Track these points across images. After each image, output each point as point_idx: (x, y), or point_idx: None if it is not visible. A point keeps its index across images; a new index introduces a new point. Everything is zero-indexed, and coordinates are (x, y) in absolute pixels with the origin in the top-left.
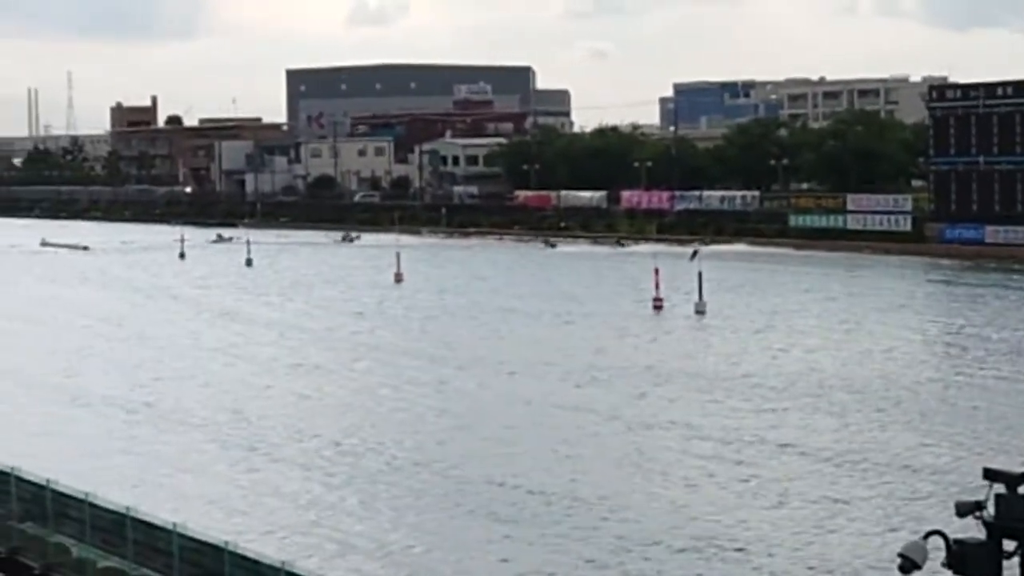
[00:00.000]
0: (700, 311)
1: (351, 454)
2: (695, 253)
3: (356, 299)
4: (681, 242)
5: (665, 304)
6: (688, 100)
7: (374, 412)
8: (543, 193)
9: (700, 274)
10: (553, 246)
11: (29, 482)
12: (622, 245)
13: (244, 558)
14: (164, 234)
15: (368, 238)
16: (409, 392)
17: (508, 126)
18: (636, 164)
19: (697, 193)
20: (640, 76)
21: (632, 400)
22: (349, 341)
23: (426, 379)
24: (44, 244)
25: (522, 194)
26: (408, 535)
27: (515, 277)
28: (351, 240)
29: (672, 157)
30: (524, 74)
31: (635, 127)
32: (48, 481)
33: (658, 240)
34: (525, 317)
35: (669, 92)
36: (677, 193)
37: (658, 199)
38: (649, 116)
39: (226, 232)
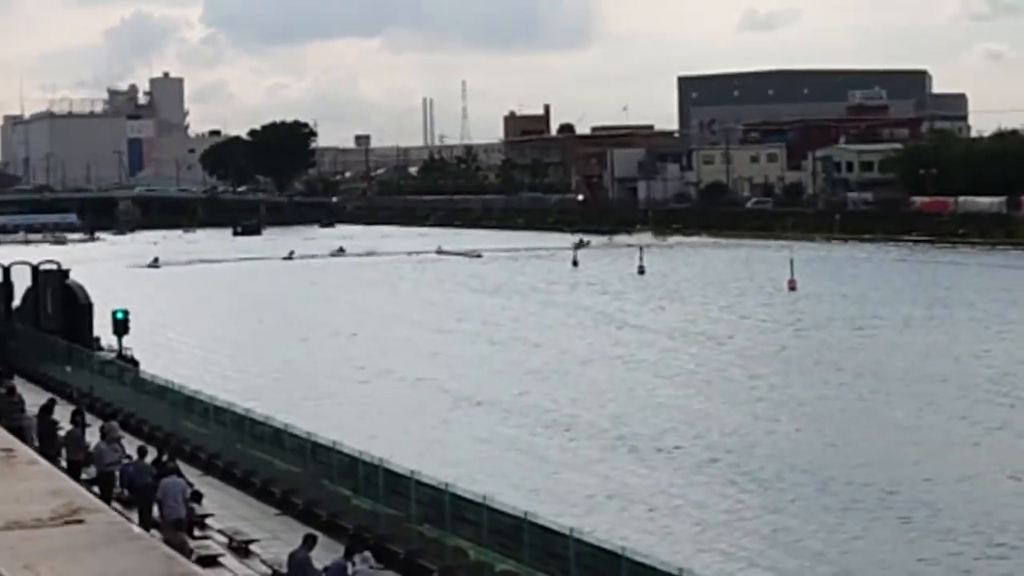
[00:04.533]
0: None
1: (742, 457)
2: None
3: (750, 307)
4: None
5: None
6: None
7: (769, 418)
8: (939, 199)
9: None
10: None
11: (428, 485)
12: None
13: (641, 565)
14: (557, 241)
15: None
16: (807, 401)
17: (903, 131)
18: None
19: None
20: None
21: None
22: (742, 348)
23: (824, 388)
24: (439, 252)
25: (918, 200)
26: (815, 543)
27: (914, 283)
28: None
29: None
30: (919, 78)
31: None
32: (447, 484)
33: None
34: (944, 326)
35: None
36: None
37: None
38: None
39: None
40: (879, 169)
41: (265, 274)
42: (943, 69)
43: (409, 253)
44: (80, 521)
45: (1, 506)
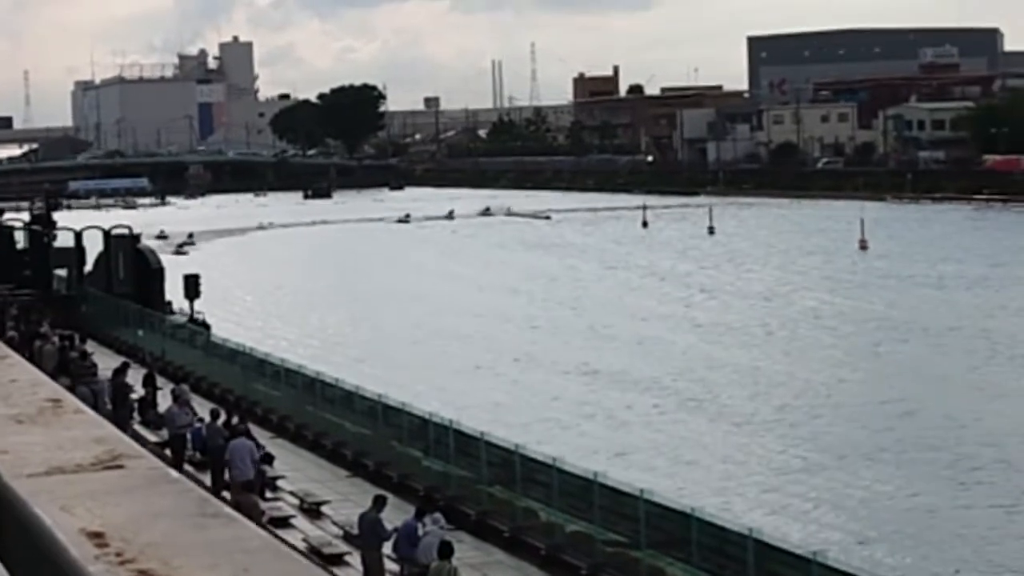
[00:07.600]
0: None
1: (809, 416)
2: None
3: (820, 266)
4: None
5: None
6: None
7: (837, 378)
8: (1012, 157)
9: None
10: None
11: (498, 446)
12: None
13: (710, 524)
14: (626, 203)
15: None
16: (874, 359)
17: (975, 90)
18: None
19: None
20: None
21: None
22: (811, 308)
23: (891, 346)
24: (508, 214)
25: (990, 158)
26: (883, 501)
27: (985, 242)
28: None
29: None
30: (992, 36)
31: None
32: (517, 446)
33: None
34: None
35: None
36: None
37: None
38: None
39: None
40: (951, 128)
41: (332, 238)
42: (1015, 27)
43: (477, 215)
44: (120, 466)
45: (44, 453)
